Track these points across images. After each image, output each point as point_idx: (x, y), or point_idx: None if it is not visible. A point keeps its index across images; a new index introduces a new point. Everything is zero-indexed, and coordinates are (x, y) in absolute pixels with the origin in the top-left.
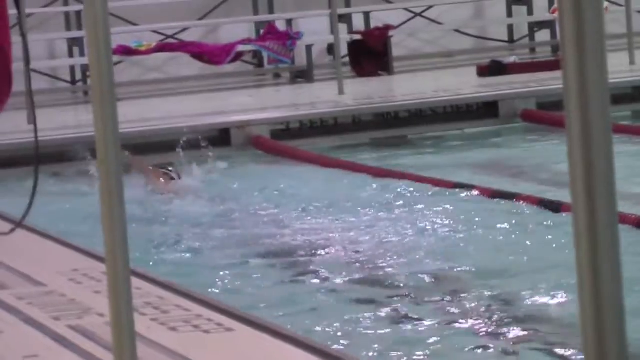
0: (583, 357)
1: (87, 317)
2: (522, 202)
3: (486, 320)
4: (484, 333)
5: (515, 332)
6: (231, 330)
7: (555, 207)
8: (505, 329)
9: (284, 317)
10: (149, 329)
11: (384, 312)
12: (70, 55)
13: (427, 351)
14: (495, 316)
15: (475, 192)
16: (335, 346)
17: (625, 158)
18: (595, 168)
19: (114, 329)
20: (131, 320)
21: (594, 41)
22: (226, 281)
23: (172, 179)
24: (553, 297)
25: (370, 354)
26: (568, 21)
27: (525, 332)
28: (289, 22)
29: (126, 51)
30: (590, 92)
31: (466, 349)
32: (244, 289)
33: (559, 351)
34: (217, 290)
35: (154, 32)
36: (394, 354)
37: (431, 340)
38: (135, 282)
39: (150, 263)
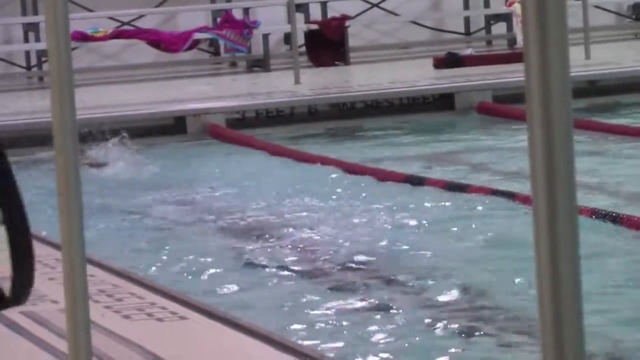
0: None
1: (40, 303)
2: (474, 193)
3: (442, 309)
4: (442, 322)
5: (471, 322)
6: (185, 318)
7: (507, 197)
8: (461, 319)
9: (235, 304)
10: (102, 316)
11: (333, 298)
12: (26, 40)
13: (372, 336)
14: (451, 305)
15: (427, 184)
16: (289, 333)
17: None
18: (556, 162)
19: (68, 316)
20: (86, 307)
21: (556, 34)
22: (176, 269)
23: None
24: (509, 285)
25: (330, 344)
26: (531, 14)
27: (481, 321)
28: (246, 10)
29: (82, 37)
30: (552, 86)
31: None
32: (195, 276)
33: (516, 339)
34: (166, 278)
35: (111, 18)
36: (339, 340)
37: (380, 328)
38: (89, 269)
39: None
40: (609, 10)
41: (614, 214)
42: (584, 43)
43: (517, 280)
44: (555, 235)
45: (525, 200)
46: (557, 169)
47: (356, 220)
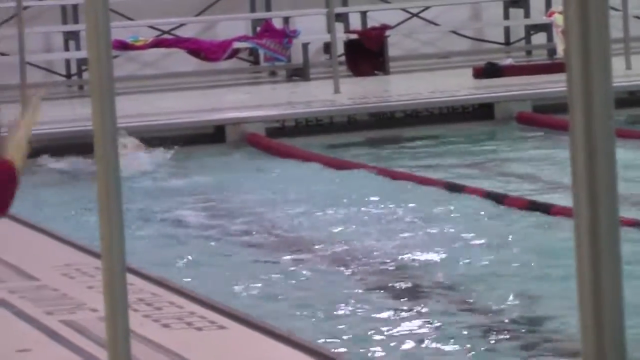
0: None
1: (79, 312)
2: (512, 203)
3: (477, 316)
4: (474, 328)
5: (503, 333)
6: (224, 328)
7: (545, 209)
8: (494, 330)
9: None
10: (142, 325)
11: (382, 308)
12: (66, 48)
13: (404, 340)
14: (482, 315)
15: (466, 192)
16: (321, 338)
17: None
18: (597, 171)
19: (108, 325)
20: (126, 316)
21: (599, 44)
22: (206, 271)
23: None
24: (541, 298)
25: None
26: (573, 25)
27: (514, 334)
28: (286, 20)
29: (122, 46)
30: (594, 96)
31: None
32: (224, 279)
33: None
34: (201, 287)
35: (151, 27)
36: (382, 348)
37: (413, 332)
38: (129, 278)
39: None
40: None
41: None
42: (625, 53)
43: (554, 292)
44: (597, 244)
45: (562, 211)
46: (599, 178)
47: (394, 228)
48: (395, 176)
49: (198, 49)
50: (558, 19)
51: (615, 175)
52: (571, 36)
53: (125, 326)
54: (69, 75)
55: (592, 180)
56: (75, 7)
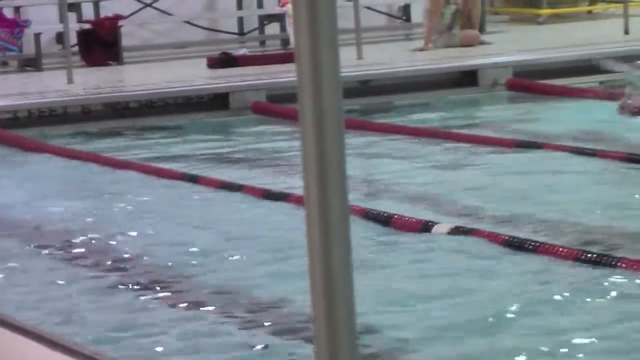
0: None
1: None
2: (248, 193)
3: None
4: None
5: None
6: None
7: (280, 197)
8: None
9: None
10: None
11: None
12: None
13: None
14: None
15: (199, 183)
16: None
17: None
18: (327, 159)
19: None
20: None
21: (327, 34)
22: None
23: None
24: (279, 285)
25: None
26: (302, 15)
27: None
28: (17, 9)
29: None
30: (323, 85)
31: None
32: None
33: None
34: None
35: None
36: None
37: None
38: None
39: None
40: (380, 12)
41: (385, 214)
42: (356, 44)
43: (286, 280)
44: (328, 230)
45: (299, 200)
46: (328, 166)
47: (129, 218)
48: (128, 168)
49: None
50: (291, 9)
51: (344, 163)
52: (300, 26)
53: None
54: None
55: (323, 168)
56: None
